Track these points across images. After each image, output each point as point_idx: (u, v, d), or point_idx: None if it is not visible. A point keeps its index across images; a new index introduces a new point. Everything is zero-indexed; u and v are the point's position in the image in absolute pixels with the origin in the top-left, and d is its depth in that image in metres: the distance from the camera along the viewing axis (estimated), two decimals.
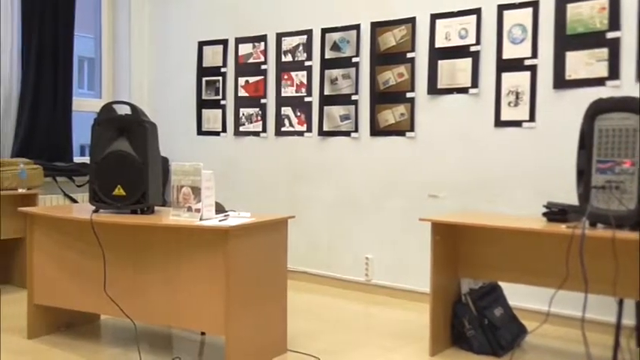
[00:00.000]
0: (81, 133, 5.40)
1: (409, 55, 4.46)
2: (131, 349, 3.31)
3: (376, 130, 4.64)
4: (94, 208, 3.37)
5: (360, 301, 4.53)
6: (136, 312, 3.18)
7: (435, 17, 4.34)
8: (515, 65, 4.01)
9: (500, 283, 3.63)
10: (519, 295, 3.76)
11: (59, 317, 3.63)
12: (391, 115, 4.57)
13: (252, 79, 5.34)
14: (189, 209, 3.05)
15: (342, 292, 4.73)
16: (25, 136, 5.11)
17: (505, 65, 4.06)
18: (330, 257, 4.93)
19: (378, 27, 4.61)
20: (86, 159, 5.43)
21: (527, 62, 3.97)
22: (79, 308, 3.48)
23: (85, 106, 5.74)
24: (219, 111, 5.56)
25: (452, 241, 3.40)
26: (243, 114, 5.41)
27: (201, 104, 5.69)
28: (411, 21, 4.44)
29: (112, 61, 6.06)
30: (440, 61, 4.33)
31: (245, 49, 5.37)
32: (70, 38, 5.42)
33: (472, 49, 4.18)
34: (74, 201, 5.28)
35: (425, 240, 3.38)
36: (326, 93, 4.90)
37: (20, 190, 4.57)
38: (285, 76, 5.13)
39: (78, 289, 3.38)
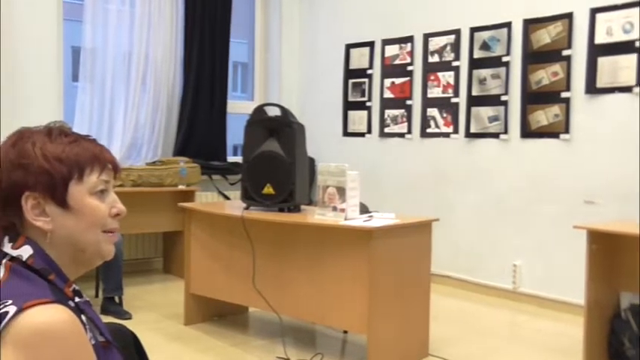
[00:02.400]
0: (234, 134, 5.69)
1: (565, 52, 4.21)
2: (276, 342, 3.42)
3: (527, 132, 4.44)
4: (244, 205, 3.53)
5: (506, 309, 4.35)
6: (282, 306, 3.29)
7: (595, 11, 4.06)
8: None
9: None
10: None
11: (212, 307, 3.84)
12: (544, 116, 4.34)
13: (397, 81, 5.32)
14: (334, 209, 3.10)
15: (486, 299, 4.57)
16: (185, 136, 5.48)
17: None
18: (475, 263, 4.78)
19: (531, 24, 4.40)
20: (238, 158, 5.71)
21: None
22: (230, 300, 3.67)
23: (238, 108, 6.03)
24: (365, 112, 5.60)
25: (611, 251, 3.15)
26: (388, 115, 5.41)
27: (348, 106, 5.76)
28: (568, 16, 4.19)
29: (263, 65, 6.32)
30: (600, 58, 4.04)
31: (391, 50, 5.37)
32: (226, 44, 5.73)
33: (638, 44, 3.86)
34: (227, 198, 5.56)
35: (580, 249, 3.16)
36: (474, 93, 4.76)
37: (180, 187, 4.90)
38: (432, 77, 5.06)
39: (229, 281, 3.56)
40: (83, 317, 1.05)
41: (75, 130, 1.20)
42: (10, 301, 0.96)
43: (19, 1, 4.51)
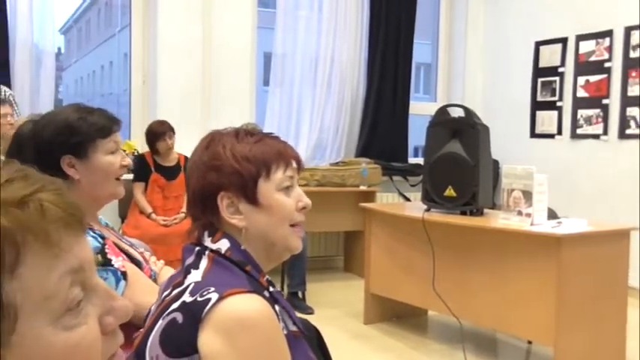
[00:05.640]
0: (415, 135, 5.67)
1: None
2: (456, 347, 3.35)
3: None
4: (425, 207, 3.50)
5: None
6: (462, 311, 3.22)
7: None
8: None
9: None
10: None
11: (391, 307, 3.86)
12: None
13: (593, 79, 4.95)
14: (520, 213, 2.97)
15: None
16: (367, 138, 5.57)
17: None
18: None
19: None
20: (419, 160, 5.69)
21: None
22: (409, 302, 3.67)
23: (419, 109, 6.00)
24: (555, 112, 5.28)
25: None
26: (581, 115, 5.06)
27: (536, 106, 5.48)
28: None
29: (447, 65, 6.23)
30: None
31: (586, 46, 5.01)
32: (410, 46, 5.73)
33: None
34: (407, 199, 5.56)
35: None
36: None
37: (361, 187, 5.00)
38: (633, 74, 4.63)
39: (408, 283, 3.56)
40: (277, 307, 1.11)
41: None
42: (212, 289, 1.04)
43: (219, 12, 4.89)
